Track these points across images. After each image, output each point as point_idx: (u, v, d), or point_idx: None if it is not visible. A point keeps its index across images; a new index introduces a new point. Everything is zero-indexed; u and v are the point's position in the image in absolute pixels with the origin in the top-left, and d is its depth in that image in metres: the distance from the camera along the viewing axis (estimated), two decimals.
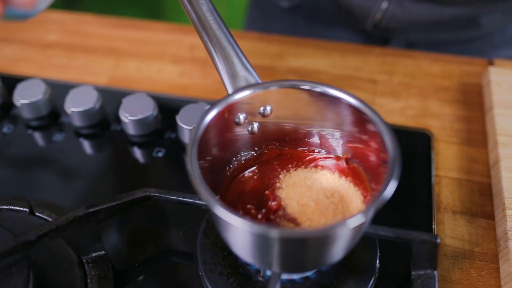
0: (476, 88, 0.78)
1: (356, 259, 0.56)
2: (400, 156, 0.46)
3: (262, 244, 0.46)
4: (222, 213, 0.43)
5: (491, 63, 0.80)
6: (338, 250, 0.47)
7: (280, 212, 0.51)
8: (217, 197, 0.52)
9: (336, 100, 0.51)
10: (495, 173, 0.65)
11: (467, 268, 0.59)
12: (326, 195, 0.51)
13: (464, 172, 0.68)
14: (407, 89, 0.78)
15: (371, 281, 0.55)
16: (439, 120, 0.74)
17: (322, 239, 0.45)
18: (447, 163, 0.68)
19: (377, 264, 0.56)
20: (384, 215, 0.57)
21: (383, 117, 0.49)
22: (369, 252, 0.57)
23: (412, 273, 0.55)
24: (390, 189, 0.44)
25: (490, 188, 0.65)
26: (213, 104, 0.51)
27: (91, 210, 0.53)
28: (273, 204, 0.52)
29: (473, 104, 0.76)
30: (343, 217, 0.50)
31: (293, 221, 0.50)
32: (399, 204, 0.62)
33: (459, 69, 0.81)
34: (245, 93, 0.52)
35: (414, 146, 0.69)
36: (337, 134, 0.54)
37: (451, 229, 0.62)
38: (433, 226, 0.61)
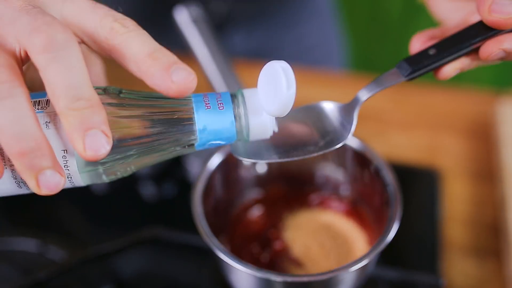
0: (484, 122, 0.78)
1: None
2: (401, 198, 0.47)
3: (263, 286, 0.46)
4: (226, 260, 0.44)
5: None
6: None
7: (284, 254, 0.52)
8: (224, 236, 0.53)
9: None
10: (502, 212, 0.65)
11: None
12: (330, 238, 0.52)
13: (473, 210, 0.67)
14: (416, 123, 0.78)
15: None
16: (448, 155, 0.74)
17: (325, 283, 0.45)
18: (455, 201, 0.68)
19: None
20: (390, 256, 0.57)
21: (383, 158, 0.50)
22: None
23: None
24: (392, 232, 0.45)
25: (498, 226, 0.65)
26: (220, 149, 0.52)
27: (101, 250, 0.55)
28: (277, 245, 0.52)
29: (483, 139, 0.76)
30: (346, 260, 0.50)
31: (297, 262, 0.51)
32: (405, 244, 0.62)
33: (468, 102, 0.81)
34: None
35: (422, 185, 0.69)
36: (341, 175, 0.55)
37: (459, 269, 0.62)
38: (438, 267, 0.61)
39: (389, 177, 0.48)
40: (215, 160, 0.51)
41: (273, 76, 0.36)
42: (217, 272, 0.57)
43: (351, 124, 0.41)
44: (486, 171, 0.72)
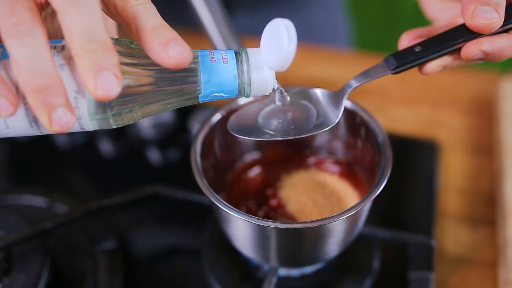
0: (486, 99, 0.79)
1: (354, 259, 0.58)
2: (391, 150, 0.49)
3: (259, 236, 0.48)
4: (221, 206, 0.46)
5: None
6: (333, 245, 0.50)
7: (280, 210, 0.54)
8: (223, 194, 0.55)
9: None
10: (498, 182, 0.67)
11: (466, 273, 0.60)
12: (324, 196, 0.54)
13: (470, 182, 0.69)
14: (418, 98, 0.80)
15: (368, 281, 0.57)
16: (448, 130, 0.75)
17: (316, 232, 0.47)
18: (453, 172, 0.70)
19: (375, 265, 0.58)
20: (386, 219, 0.59)
21: (380, 122, 0.52)
22: (367, 253, 0.59)
23: (409, 274, 0.57)
24: (382, 182, 0.47)
25: (494, 196, 0.67)
26: (220, 108, 0.54)
27: (103, 203, 0.57)
28: (273, 202, 0.54)
29: (483, 115, 0.77)
30: None
31: (291, 218, 0.53)
32: (401, 209, 0.64)
33: (471, 80, 0.82)
34: (250, 98, 0.55)
35: (421, 156, 0.71)
36: (338, 138, 0.56)
37: (453, 235, 0.63)
38: (432, 231, 0.62)
39: (379, 130, 0.50)
40: (215, 118, 0.53)
41: (275, 32, 0.38)
42: (216, 227, 0.60)
43: (339, 109, 0.45)
44: (484, 146, 0.73)
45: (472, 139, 0.74)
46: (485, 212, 0.66)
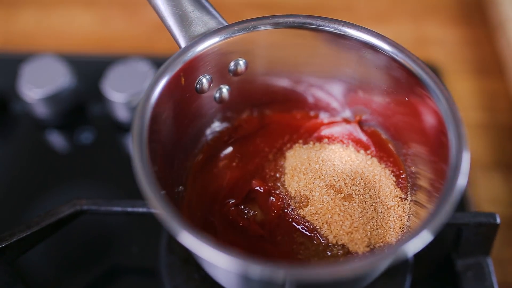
0: (474, 2, 0.62)
1: None
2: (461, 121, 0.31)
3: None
4: (194, 247, 0.26)
5: None
6: (375, 274, 0.32)
7: (283, 217, 0.35)
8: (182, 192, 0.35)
9: (352, 43, 0.34)
10: None
11: None
12: (345, 183, 0.35)
13: (486, 112, 0.53)
14: (394, 11, 0.62)
15: (407, 279, 0.40)
16: (441, 47, 0.58)
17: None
18: (463, 104, 0.54)
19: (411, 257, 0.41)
20: None
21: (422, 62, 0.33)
22: None
23: (458, 262, 0.41)
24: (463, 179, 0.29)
25: None
26: (162, 67, 0.33)
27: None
28: (271, 201, 0.35)
29: (476, 22, 0.60)
30: (379, 217, 0.34)
31: (304, 228, 0.34)
32: None
33: None
34: (207, 43, 0.34)
35: None
36: (345, 86, 0.37)
37: (486, 189, 0.48)
38: (465, 192, 0.46)
39: (438, 91, 0.31)
40: (159, 87, 0.32)
41: None
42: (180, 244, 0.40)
43: None
44: (490, 62, 0.57)
45: (472, 56, 0.58)
46: None
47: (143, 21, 0.60)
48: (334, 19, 0.34)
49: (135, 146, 0.30)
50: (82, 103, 0.52)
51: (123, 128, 0.50)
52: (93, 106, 0.52)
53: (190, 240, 0.27)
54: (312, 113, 0.39)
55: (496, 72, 0.56)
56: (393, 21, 0.61)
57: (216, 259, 0.26)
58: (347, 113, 0.38)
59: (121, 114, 0.50)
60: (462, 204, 0.45)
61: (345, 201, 0.34)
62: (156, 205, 0.28)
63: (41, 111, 0.50)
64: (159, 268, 0.41)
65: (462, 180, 0.29)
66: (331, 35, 0.34)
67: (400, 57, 0.34)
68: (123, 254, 0.43)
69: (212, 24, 0.35)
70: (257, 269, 0.26)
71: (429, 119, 0.33)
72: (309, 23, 0.34)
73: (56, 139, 0.51)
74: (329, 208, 0.34)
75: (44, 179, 0.48)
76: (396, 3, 0.63)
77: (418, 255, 0.42)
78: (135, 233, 0.43)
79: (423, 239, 0.26)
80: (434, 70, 0.54)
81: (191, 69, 0.34)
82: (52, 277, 0.42)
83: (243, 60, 0.36)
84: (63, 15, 0.61)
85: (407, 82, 0.33)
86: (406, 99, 0.34)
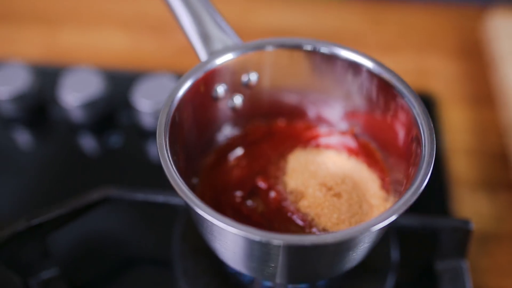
0: (474, 39, 0.68)
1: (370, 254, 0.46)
2: (433, 131, 0.36)
3: (262, 253, 0.35)
4: (209, 215, 0.32)
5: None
6: (357, 255, 0.37)
7: (281, 207, 0.40)
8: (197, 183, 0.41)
9: (343, 62, 0.40)
10: (510, 138, 0.56)
11: (494, 252, 0.50)
12: (336, 182, 0.41)
13: (476, 139, 0.58)
14: (399, 44, 0.68)
15: (389, 278, 0.45)
16: (440, 78, 0.64)
17: (341, 245, 0.34)
18: (456, 130, 0.59)
19: (394, 258, 0.46)
20: None
21: (405, 80, 0.39)
22: (384, 244, 0.47)
23: (437, 265, 0.46)
24: (426, 175, 0.34)
25: (508, 154, 0.56)
26: (185, 75, 0.39)
27: (34, 222, 0.41)
28: (271, 195, 0.41)
29: (474, 57, 0.66)
30: (361, 209, 0.39)
31: (302, 219, 0.39)
32: None
33: (452, 19, 0.71)
34: (224, 58, 0.40)
35: None
36: (341, 103, 0.43)
37: (471, 206, 0.53)
38: (450, 208, 0.51)
39: (416, 105, 0.37)
40: (181, 92, 0.38)
41: None
42: (189, 231, 0.46)
43: None
44: (484, 94, 0.62)
45: (468, 88, 0.63)
46: (501, 173, 0.55)
47: (171, 43, 0.66)
48: (329, 42, 0.40)
49: (160, 136, 0.36)
50: (113, 111, 0.58)
51: (148, 134, 0.56)
52: (122, 114, 0.58)
53: (207, 211, 0.32)
54: (312, 125, 0.45)
55: (488, 103, 0.61)
56: (398, 52, 0.67)
57: (228, 227, 0.32)
58: (343, 126, 0.44)
59: (147, 121, 0.56)
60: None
61: (335, 198, 0.40)
62: (177, 184, 0.33)
63: (77, 116, 0.57)
64: (172, 254, 0.46)
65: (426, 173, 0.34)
66: (325, 56, 0.40)
67: (385, 77, 0.39)
68: (141, 240, 0.49)
69: (229, 42, 0.41)
70: (258, 234, 0.31)
71: (407, 137, 0.39)
72: (305, 44, 0.40)
73: (88, 142, 0.57)
74: (320, 202, 0.39)
75: (77, 175, 0.54)
76: (401, 36, 0.68)
77: (403, 258, 0.47)
78: (152, 223, 0.49)
79: (390, 218, 0.32)
80: (433, 99, 0.60)
81: (209, 79, 0.40)
82: (77, 257, 0.48)
83: (255, 75, 0.42)
84: (101, 34, 0.68)
85: (393, 102, 0.39)
86: (389, 117, 0.40)
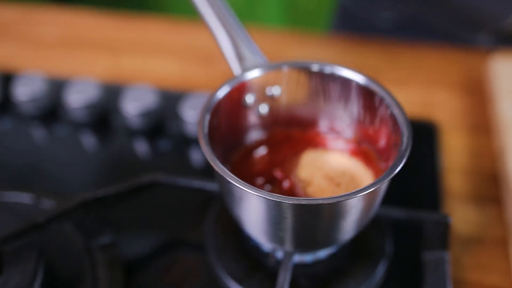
0: (478, 78, 0.78)
1: (366, 242, 0.55)
2: (411, 134, 0.46)
3: (276, 215, 0.45)
4: (235, 182, 0.42)
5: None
6: (352, 224, 0.47)
7: (292, 192, 0.50)
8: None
9: (347, 81, 0.51)
10: (501, 161, 0.65)
11: (478, 252, 0.58)
12: (337, 175, 0.51)
13: (472, 161, 0.67)
14: (410, 79, 0.78)
15: (382, 264, 0.54)
16: (444, 110, 0.74)
17: (337, 208, 0.44)
18: (454, 153, 0.68)
19: (388, 248, 0.55)
20: (394, 202, 0.56)
21: (395, 97, 0.49)
22: (379, 235, 0.56)
23: (424, 255, 0.55)
24: (403, 158, 0.44)
25: (498, 175, 0.65)
26: (221, 85, 0.50)
27: (99, 193, 0.52)
28: (285, 184, 0.51)
29: (476, 93, 0.76)
30: None
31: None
32: (408, 194, 0.61)
33: (461, 60, 0.81)
34: (254, 73, 0.51)
35: (420, 137, 0.69)
36: (347, 117, 0.54)
37: (461, 215, 0.61)
38: (442, 211, 0.60)
39: (396, 107, 0.48)
40: (220, 93, 0.50)
41: None
42: (220, 215, 0.56)
43: None
44: (482, 124, 0.72)
45: (469, 118, 0.73)
46: (490, 190, 0.64)
47: (214, 71, 0.78)
48: (332, 64, 0.51)
49: (200, 128, 0.46)
50: (163, 120, 0.70)
51: (191, 141, 0.68)
52: (171, 123, 0.70)
53: (235, 179, 0.43)
54: (322, 133, 0.55)
55: (485, 131, 0.70)
56: (409, 85, 0.77)
57: (251, 190, 0.42)
58: (348, 134, 0.54)
59: (191, 130, 0.67)
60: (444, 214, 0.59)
61: (335, 187, 0.50)
62: (214, 161, 0.44)
63: (134, 123, 0.69)
64: (205, 231, 0.56)
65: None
66: (328, 75, 0.51)
67: (380, 97, 0.50)
68: (180, 219, 0.59)
69: (258, 61, 0.52)
70: (272, 196, 0.42)
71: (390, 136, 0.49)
72: (312, 65, 0.51)
73: (143, 145, 0.69)
74: (324, 189, 0.50)
75: (133, 171, 0.65)
76: (412, 72, 0.79)
77: (396, 249, 0.56)
78: (190, 205, 0.60)
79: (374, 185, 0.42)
80: (436, 126, 0.69)
81: (240, 89, 0.51)
82: (129, 229, 0.58)
83: (278, 89, 0.53)
84: (156, 62, 0.81)
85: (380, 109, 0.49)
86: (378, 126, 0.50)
